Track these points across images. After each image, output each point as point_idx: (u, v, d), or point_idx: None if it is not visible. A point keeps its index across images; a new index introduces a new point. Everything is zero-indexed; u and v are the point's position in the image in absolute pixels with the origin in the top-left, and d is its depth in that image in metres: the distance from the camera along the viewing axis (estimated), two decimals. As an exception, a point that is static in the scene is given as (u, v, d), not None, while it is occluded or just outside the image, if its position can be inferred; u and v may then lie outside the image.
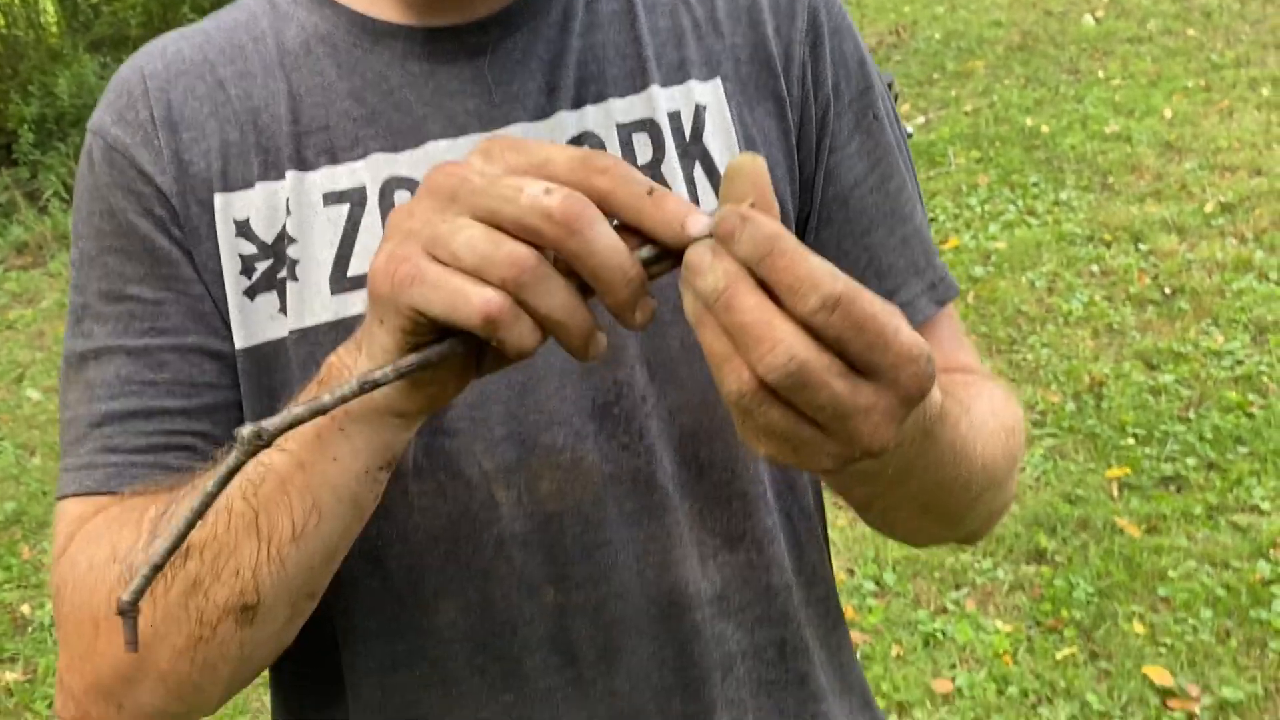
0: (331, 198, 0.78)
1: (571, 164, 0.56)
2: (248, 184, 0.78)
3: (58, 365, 1.13)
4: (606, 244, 0.54)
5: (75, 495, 0.77)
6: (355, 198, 0.78)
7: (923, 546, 2.37)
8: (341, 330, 0.76)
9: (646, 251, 0.56)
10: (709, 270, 0.52)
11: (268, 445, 0.56)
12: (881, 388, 0.53)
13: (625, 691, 0.80)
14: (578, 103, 0.81)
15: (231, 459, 0.56)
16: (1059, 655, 2.80)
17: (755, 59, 0.85)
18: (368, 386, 0.57)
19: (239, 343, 0.78)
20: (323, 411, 0.57)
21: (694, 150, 0.82)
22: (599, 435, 0.78)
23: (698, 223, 0.54)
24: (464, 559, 0.78)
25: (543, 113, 0.80)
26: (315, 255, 0.78)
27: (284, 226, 0.78)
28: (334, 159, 0.79)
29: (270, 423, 0.56)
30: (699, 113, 0.83)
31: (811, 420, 0.53)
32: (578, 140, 0.81)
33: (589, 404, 0.78)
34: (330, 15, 0.82)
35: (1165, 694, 2.64)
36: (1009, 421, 0.83)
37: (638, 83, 0.82)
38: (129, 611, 0.58)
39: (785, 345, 0.51)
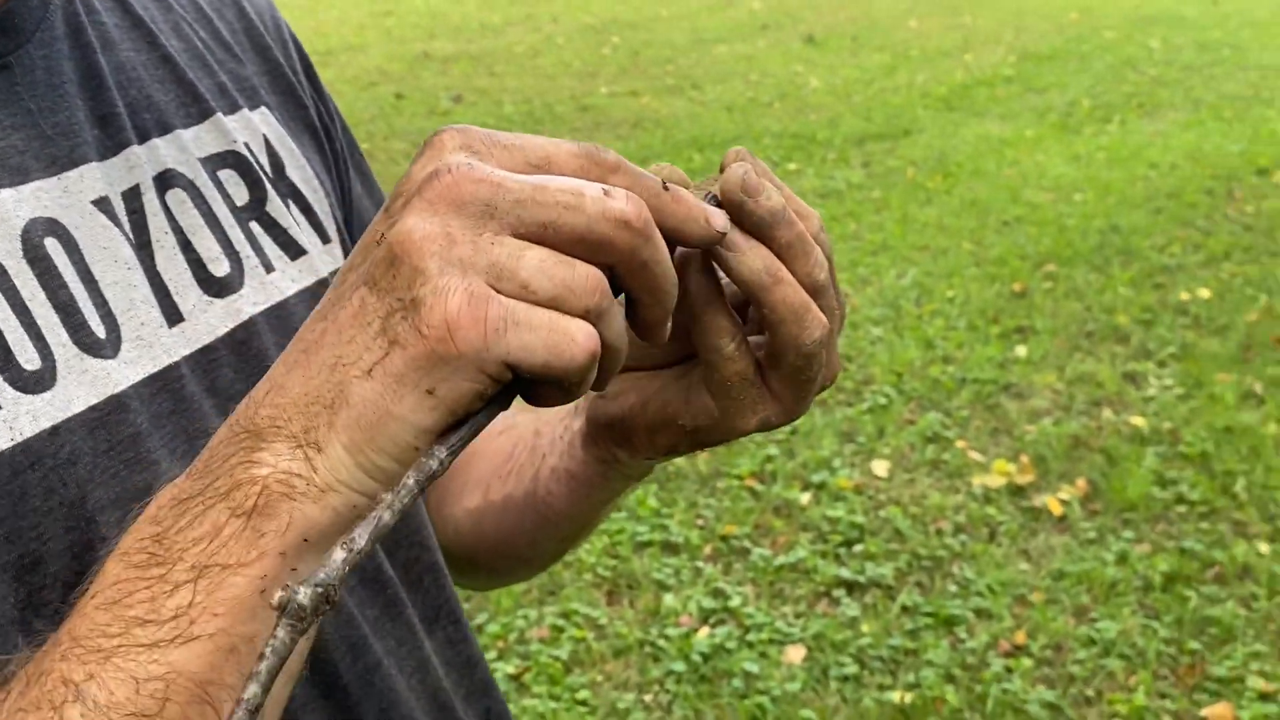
0: None
1: (578, 160, 0.47)
2: None
3: None
4: (665, 250, 0.48)
5: None
6: None
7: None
8: None
9: None
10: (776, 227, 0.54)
11: (334, 607, 0.41)
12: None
13: None
14: (142, 135, 0.66)
15: (283, 637, 0.40)
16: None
17: (278, 88, 0.77)
18: (424, 482, 0.44)
19: None
20: (386, 533, 0.43)
21: (284, 188, 0.72)
22: None
23: (719, 216, 0.52)
24: None
25: (107, 149, 0.64)
26: None
27: None
28: None
29: (329, 575, 0.41)
30: (269, 144, 0.73)
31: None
32: (163, 180, 0.66)
33: None
34: None
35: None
36: None
37: (195, 110, 0.69)
38: None
39: (825, 267, 0.56)
